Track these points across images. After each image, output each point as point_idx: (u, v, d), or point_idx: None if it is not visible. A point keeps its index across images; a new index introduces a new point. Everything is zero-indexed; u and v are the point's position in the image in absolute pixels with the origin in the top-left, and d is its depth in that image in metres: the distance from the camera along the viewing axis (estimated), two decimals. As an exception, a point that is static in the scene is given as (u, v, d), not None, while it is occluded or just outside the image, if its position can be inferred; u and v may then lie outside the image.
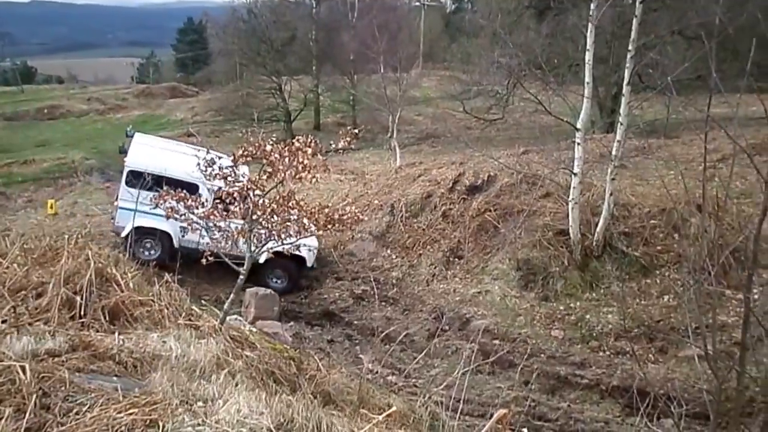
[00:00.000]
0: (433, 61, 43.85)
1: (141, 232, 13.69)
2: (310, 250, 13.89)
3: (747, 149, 9.51)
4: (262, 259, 11.84)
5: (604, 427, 8.81)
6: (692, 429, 6.91)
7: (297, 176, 7.03)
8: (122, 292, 5.66)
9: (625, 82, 12.54)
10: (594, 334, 11.23)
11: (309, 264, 14.11)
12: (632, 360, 10.06)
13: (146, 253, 13.84)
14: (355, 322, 12.92)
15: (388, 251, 15.40)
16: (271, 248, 11.36)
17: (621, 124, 12.73)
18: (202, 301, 12.09)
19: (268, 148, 6.99)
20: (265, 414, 4.01)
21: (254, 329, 9.64)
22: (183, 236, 13.35)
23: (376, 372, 10.41)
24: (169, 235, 14.00)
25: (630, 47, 12.34)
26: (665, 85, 12.56)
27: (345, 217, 7.84)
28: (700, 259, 4.51)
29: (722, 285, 9.53)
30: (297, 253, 11.96)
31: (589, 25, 12.51)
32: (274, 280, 14.20)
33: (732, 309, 10.40)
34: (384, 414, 3.20)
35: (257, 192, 6.96)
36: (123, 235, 13.94)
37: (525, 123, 26.47)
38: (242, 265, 7.31)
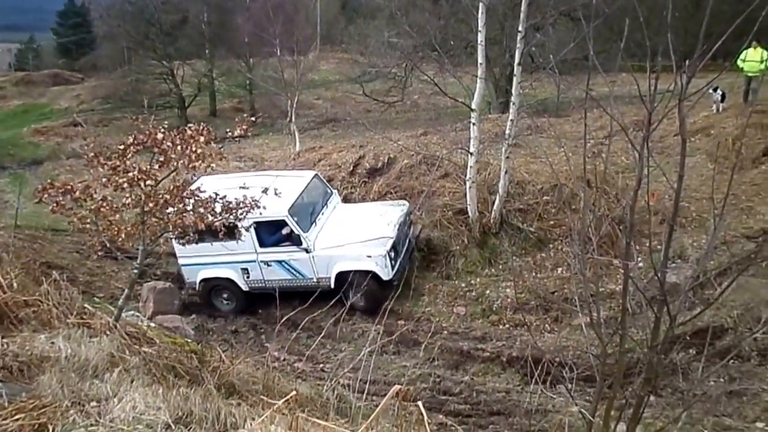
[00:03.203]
0: (331, 43, 43.53)
1: (210, 285, 12.99)
2: (378, 260, 11.63)
3: (630, 125, 10.09)
4: (332, 275, 11.81)
5: (505, 396, 9.14)
6: (583, 391, 7.30)
7: (191, 165, 6.86)
8: (4, 293, 5.35)
9: (516, 62, 12.87)
10: (494, 309, 11.58)
11: (385, 277, 11.64)
12: (528, 331, 10.48)
13: (226, 303, 13.10)
14: (260, 311, 12.78)
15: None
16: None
17: (513, 103, 13.09)
18: (96, 299, 11.68)
19: (160, 136, 6.76)
20: (163, 409, 3.93)
21: (153, 324, 9.39)
22: (248, 277, 12.62)
23: (283, 360, 10.38)
24: (232, 280, 12.83)
25: (520, 28, 12.65)
26: (553, 64, 13.05)
27: (242, 204, 7.75)
28: (587, 231, 4.72)
29: (610, 255, 10.07)
30: (363, 268, 11.55)
31: (481, 5, 12.74)
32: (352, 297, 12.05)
33: (619, 277, 11.00)
34: (284, 399, 3.21)
35: (149, 182, 6.70)
36: (198, 290, 13.17)
37: (423, 105, 26.91)
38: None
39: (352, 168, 16.08)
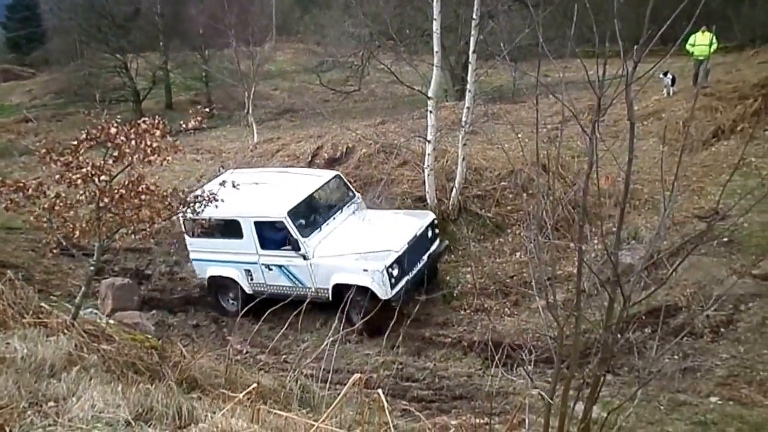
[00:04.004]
0: (287, 33, 43.12)
1: (217, 283, 12.43)
2: (375, 275, 10.48)
3: (585, 110, 10.25)
4: (330, 287, 10.89)
5: (467, 380, 9.26)
6: (543, 373, 7.45)
7: (146, 159, 6.76)
8: (-46, 294, 5.23)
9: (471, 50, 12.96)
10: (455, 294, 11.72)
11: (382, 295, 10.35)
12: (488, 316, 10.63)
13: (231, 303, 12.40)
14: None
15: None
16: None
17: (469, 91, 13.20)
18: (53, 297, 11.45)
19: (113, 130, 6.64)
20: (122, 406, 3.90)
21: (112, 321, 9.26)
22: (251, 279, 11.93)
23: (246, 352, 10.34)
24: (234, 281, 12.11)
25: (474, 15, 12.75)
26: (506, 52, 13.18)
27: (200, 198, 7.68)
28: (542, 215, 4.81)
29: (567, 238, 10.25)
30: (359, 283, 10.56)
31: (434, -7, 12.80)
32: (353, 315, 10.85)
33: (576, 260, 11.22)
34: (245, 391, 3.22)
35: (103, 178, 6.59)
36: (207, 286, 12.67)
37: (381, 93, 26.88)
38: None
39: (310, 158, 16.04)
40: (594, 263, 5.32)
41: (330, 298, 10.89)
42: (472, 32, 12.79)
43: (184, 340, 10.74)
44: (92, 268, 7.17)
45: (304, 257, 11.10)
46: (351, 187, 12.68)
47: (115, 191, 6.65)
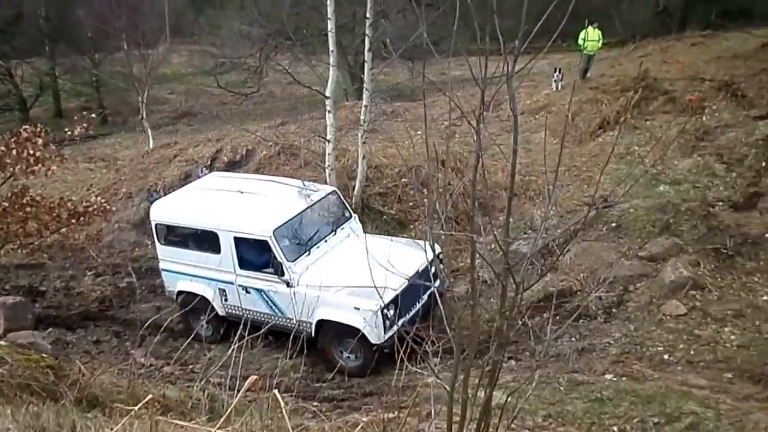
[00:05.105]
0: (182, 35, 41.98)
1: (189, 300, 10.59)
2: (368, 316, 9.15)
3: (478, 106, 10.55)
4: (313, 322, 9.50)
5: (376, 377, 9.25)
6: (446, 364, 7.62)
7: (29, 170, 6.48)
8: None
9: (366, 48, 13.07)
10: (358, 293, 11.77)
11: (374, 340, 9.21)
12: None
13: (204, 326, 10.74)
14: (123, 317, 12.24)
15: (150, 239, 14.73)
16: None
17: (367, 90, 13.31)
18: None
19: (-9, 141, 6.33)
20: (12, 429, 3.72)
21: (4, 342, 8.77)
22: (226, 300, 10.58)
23: (150, 365, 10.02)
24: (207, 300, 10.67)
25: (368, 15, 12.86)
26: (403, 50, 13.37)
27: (90, 209, 7.41)
28: (438, 209, 4.92)
29: (467, 231, 10.50)
30: (347, 321, 9.30)
31: (329, -7, 12.82)
32: (345, 355, 9.75)
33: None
34: (140, 404, 3.12)
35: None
36: (177, 303, 11.06)
37: (280, 94, 26.75)
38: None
39: (209, 162, 15.72)
40: (494, 253, 5.50)
41: (313, 334, 9.64)
42: (367, 31, 12.90)
43: (84, 357, 10.31)
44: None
45: (288, 284, 9.80)
46: (348, 206, 11.49)
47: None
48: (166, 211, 10.98)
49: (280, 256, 9.76)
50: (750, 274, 9.69)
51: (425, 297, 9.65)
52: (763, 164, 12.80)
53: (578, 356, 8.79)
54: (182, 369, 10.16)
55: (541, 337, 7.51)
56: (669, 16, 29.96)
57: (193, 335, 8.85)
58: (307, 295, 9.43)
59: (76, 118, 7.10)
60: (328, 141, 13.08)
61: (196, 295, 10.68)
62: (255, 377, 2.94)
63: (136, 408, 3.12)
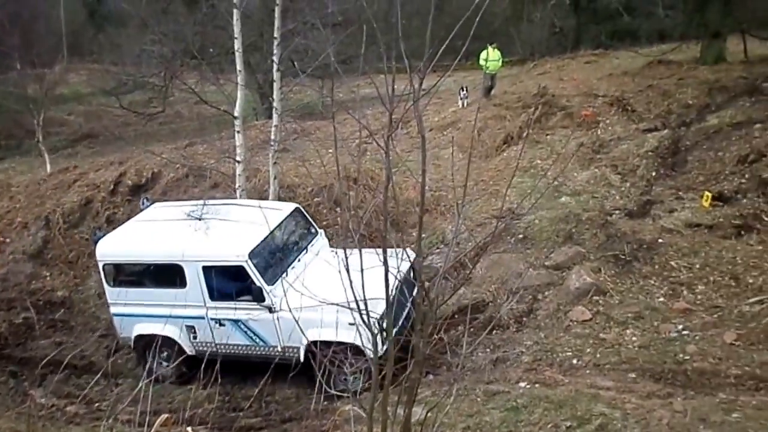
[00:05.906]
0: (80, 53, 40.45)
1: (147, 343, 9.67)
2: (364, 332, 8.01)
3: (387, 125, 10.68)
4: (302, 345, 8.80)
5: (296, 402, 9.23)
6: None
7: None
8: None
9: (275, 68, 13.00)
10: (272, 311, 11.60)
11: (373, 354, 8.29)
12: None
13: (166, 366, 10.00)
14: (20, 356, 11.56)
15: (49, 270, 14.04)
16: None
17: (276, 109, 13.21)
18: None
19: None
20: None
21: None
22: (195, 338, 9.83)
23: (52, 406, 9.50)
24: (172, 340, 9.96)
25: (275, 34, 12.80)
26: (312, 69, 13.37)
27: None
28: (350, 227, 4.94)
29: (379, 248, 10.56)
30: (343, 339, 7.71)
31: (235, 12, 12.68)
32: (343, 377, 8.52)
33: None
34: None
35: None
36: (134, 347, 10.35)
37: (187, 115, 26.12)
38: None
39: (112, 187, 15.19)
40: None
41: (302, 359, 9.04)
42: (275, 51, 12.84)
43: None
44: None
45: (270, 309, 9.30)
46: (312, 222, 11.16)
47: None
48: (114, 248, 10.23)
49: (258, 280, 9.23)
50: (646, 278, 10.15)
51: (409, 306, 9.26)
52: (653, 174, 13.59)
53: (493, 367, 8.94)
54: (87, 408, 9.69)
55: (457, 350, 7.65)
56: (564, 36, 31.59)
57: (155, 379, 8.10)
58: (297, 318, 8.01)
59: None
60: (238, 162, 12.90)
61: (156, 336, 9.80)
62: (166, 416, 2.84)
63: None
